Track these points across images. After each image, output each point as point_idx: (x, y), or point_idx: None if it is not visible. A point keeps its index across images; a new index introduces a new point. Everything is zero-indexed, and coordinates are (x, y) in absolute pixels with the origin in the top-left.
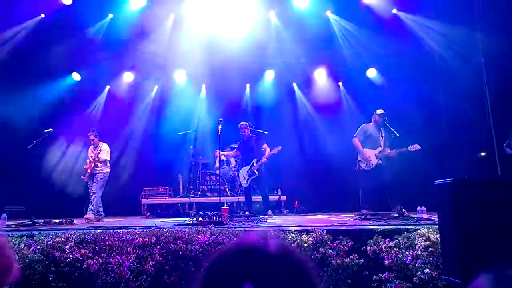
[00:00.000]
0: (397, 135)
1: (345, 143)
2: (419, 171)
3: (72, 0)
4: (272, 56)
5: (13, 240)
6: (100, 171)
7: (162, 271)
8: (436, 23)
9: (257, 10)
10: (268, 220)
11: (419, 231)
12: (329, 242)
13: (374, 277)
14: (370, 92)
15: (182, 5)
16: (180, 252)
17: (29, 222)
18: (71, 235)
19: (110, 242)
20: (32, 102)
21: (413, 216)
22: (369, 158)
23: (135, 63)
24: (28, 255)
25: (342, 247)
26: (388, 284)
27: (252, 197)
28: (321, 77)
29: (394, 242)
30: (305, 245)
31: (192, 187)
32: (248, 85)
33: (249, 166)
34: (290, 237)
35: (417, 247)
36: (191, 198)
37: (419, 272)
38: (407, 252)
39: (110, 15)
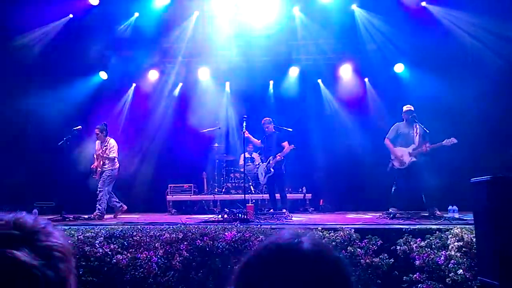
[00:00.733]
0: (427, 131)
1: (372, 140)
2: (450, 169)
3: (99, 0)
4: (297, 52)
5: None
6: (108, 169)
7: (190, 267)
8: (468, 15)
9: (281, 5)
10: (293, 218)
11: (452, 231)
12: (357, 241)
13: (404, 277)
14: (398, 87)
15: (206, 2)
16: (207, 249)
17: (59, 218)
18: (100, 230)
19: (138, 237)
20: (62, 100)
21: (445, 215)
22: (401, 156)
23: (160, 60)
24: None
25: (371, 246)
26: (419, 285)
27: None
28: (346, 73)
29: (425, 242)
30: (333, 243)
31: (216, 184)
32: (272, 82)
33: (266, 163)
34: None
35: (450, 248)
36: (215, 196)
37: (452, 273)
38: (439, 253)
39: (136, 14)
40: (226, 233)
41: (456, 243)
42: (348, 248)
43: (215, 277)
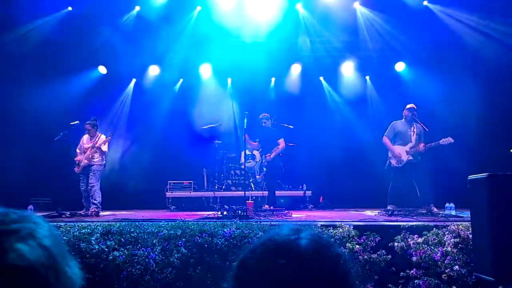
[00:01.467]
0: (426, 129)
1: (373, 138)
2: (447, 168)
3: None
4: (299, 49)
5: None
6: (98, 163)
7: (188, 264)
8: (469, 14)
9: (284, 1)
10: (293, 215)
11: (449, 227)
12: (356, 238)
13: (401, 273)
14: (399, 86)
15: None
16: (206, 245)
17: (55, 214)
18: (97, 226)
19: (135, 234)
20: (60, 94)
21: (442, 213)
22: (399, 154)
23: (160, 56)
24: None
25: (369, 242)
26: (416, 281)
27: (276, 192)
28: (348, 70)
29: (422, 238)
30: (332, 240)
31: (216, 181)
32: (273, 79)
33: (260, 161)
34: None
35: (446, 244)
36: (215, 192)
37: (448, 269)
38: (436, 249)
39: (137, 8)
40: (225, 230)
41: (452, 240)
42: (346, 245)
43: (214, 274)
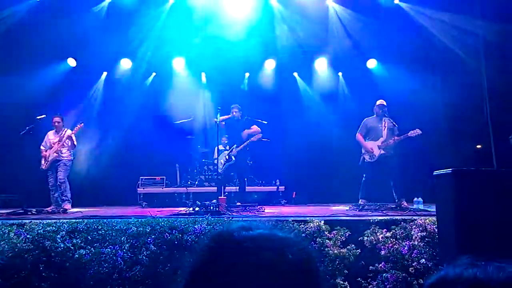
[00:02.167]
0: (395, 125)
1: (345, 134)
2: (415, 163)
3: None
4: (273, 44)
5: (3, 229)
6: (66, 158)
7: (157, 262)
8: (440, 13)
9: None
10: (265, 211)
11: (416, 221)
12: (326, 232)
13: (370, 267)
14: (371, 82)
15: None
16: (176, 242)
17: (21, 211)
18: (63, 224)
19: (103, 231)
20: (25, 87)
21: (410, 207)
22: (371, 149)
23: (133, 49)
24: (18, 244)
25: (339, 237)
26: (384, 274)
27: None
28: (322, 66)
29: (391, 232)
30: (303, 235)
31: (189, 177)
32: (247, 74)
33: (228, 151)
34: (287, 227)
35: (413, 238)
36: (188, 188)
37: (415, 263)
38: (403, 243)
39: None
40: (196, 226)
41: (419, 233)
42: (317, 240)
43: (184, 271)
